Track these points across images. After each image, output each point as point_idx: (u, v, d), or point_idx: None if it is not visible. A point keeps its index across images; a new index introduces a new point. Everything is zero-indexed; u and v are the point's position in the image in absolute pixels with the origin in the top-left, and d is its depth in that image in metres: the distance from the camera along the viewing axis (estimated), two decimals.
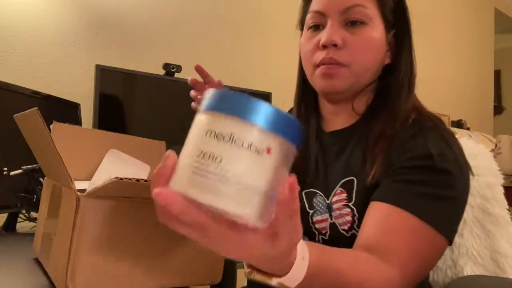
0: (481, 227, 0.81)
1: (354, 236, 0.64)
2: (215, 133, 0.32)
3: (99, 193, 0.54)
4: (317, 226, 0.70)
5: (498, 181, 0.83)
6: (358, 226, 0.64)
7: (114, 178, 0.47)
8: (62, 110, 1.34)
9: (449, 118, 2.99)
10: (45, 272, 0.65)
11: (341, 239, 0.67)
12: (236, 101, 0.32)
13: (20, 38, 1.48)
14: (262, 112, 0.32)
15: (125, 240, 0.58)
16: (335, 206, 0.69)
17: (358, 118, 0.74)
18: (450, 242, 0.62)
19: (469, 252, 0.81)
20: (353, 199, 0.67)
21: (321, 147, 0.76)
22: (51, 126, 0.75)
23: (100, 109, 1.47)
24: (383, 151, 0.65)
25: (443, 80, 3.50)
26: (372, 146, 0.67)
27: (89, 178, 0.77)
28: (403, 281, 0.57)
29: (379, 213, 0.61)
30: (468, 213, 0.82)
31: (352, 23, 0.69)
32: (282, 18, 2.17)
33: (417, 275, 0.60)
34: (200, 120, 0.33)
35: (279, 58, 2.19)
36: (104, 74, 1.49)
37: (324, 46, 0.69)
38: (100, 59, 1.63)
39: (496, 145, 2.39)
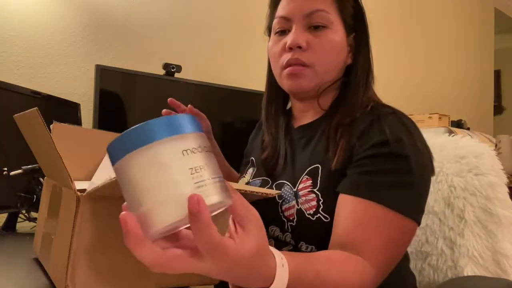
0: (483, 227, 0.81)
1: (319, 220, 0.69)
2: (183, 152, 0.37)
3: (99, 193, 0.54)
4: (285, 214, 0.73)
5: (501, 180, 0.83)
6: (323, 210, 0.69)
7: (114, 178, 0.47)
8: (62, 110, 1.34)
9: (449, 118, 2.99)
10: (45, 272, 0.65)
11: (307, 223, 0.70)
12: (163, 127, 0.37)
13: (20, 38, 1.48)
14: (180, 123, 0.37)
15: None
16: (301, 193, 0.73)
17: (323, 113, 0.80)
18: (418, 223, 0.66)
19: (469, 252, 0.80)
20: (318, 185, 0.71)
21: (290, 142, 0.83)
22: (51, 126, 0.75)
23: (100, 109, 1.47)
24: (343, 137, 0.71)
25: (443, 80, 3.50)
26: (333, 134, 0.73)
27: (89, 178, 0.77)
28: (378, 272, 0.61)
29: (347, 207, 0.65)
30: (469, 213, 0.82)
31: (315, 27, 0.75)
32: None
33: (393, 262, 0.65)
34: (156, 156, 0.36)
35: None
36: (104, 74, 1.48)
37: (290, 48, 0.75)
38: (100, 59, 1.63)
39: (496, 145, 2.39)
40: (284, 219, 0.73)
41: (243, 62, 2.10)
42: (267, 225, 0.75)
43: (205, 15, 1.99)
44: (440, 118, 2.84)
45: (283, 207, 0.74)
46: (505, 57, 4.72)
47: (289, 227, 0.72)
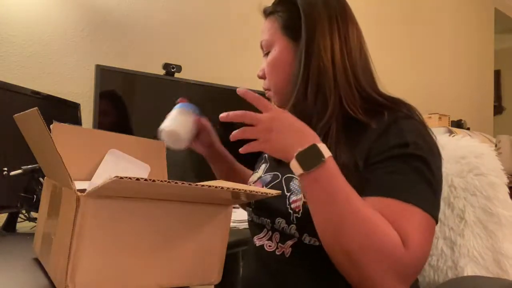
0: (483, 227, 0.81)
1: None
2: None
3: (99, 193, 0.54)
4: (292, 206, 0.75)
5: (502, 181, 0.83)
6: None
7: (114, 177, 0.47)
8: (62, 110, 1.34)
9: (449, 118, 2.99)
10: (45, 272, 0.65)
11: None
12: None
13: (20, 38, 1.48)
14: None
15: (125, 240, 0.58)
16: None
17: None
18: (437, 221, 0.69)
19: (470, 253, 0.80)
20: None
21: None
22: (51, 126, 0.75)
23: (100, 109, 1.47)
24: (339, 145, 0.73)
25: (443, 80, 3.50)
26: (334, 141, 0.75)
27: (89, 178, 0.77)
28: (411, 255, 0.62)
29: (377, 206, 0.66)
30: (469, 214, 0.82)
31: (265, 55, 0.88)
32: None
33: (427, 255, 0.66)
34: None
35: None
36: (104, 74, 1.48)
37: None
38: (100, 59, 1.63)
39: (496, 145, 2.39)
40: (290, 211, 0.75)
41: (243, 62, 2.10)
42: (274, 217, 0.78)
43: (205, 15, 1.99)
44: (440, 118, 2.85)
45: (291, 200, 0.75)
46: (505, 57, 4.72)
47: (294, 219, 0.74)
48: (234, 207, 1.28)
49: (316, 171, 0.64)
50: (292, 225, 0.75)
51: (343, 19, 0.82)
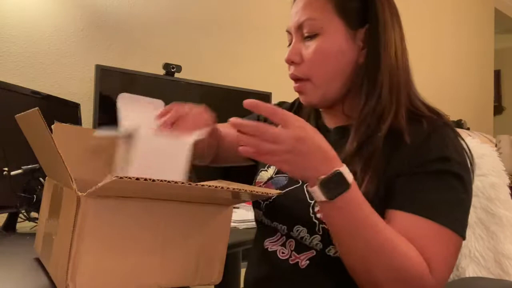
0: (485, 228, 0.81)
1: None
2: None
3: (99, 193, 0.54)
4: (318, 215, 0.70)
5: (503, 181, 0.83)
6: None
7: (114, 177, 0.47)
8: (62, 110, 1.34)
9: (449, 118, 2.99)
10: (45, 272, 0.65)
11: None
12: None
13: (20, 38, 1.48)
14: None
15: (125, 239, 0.58)
16: None
17: (353, 118, 0.75)
18: (464, 239, 0.67)
19: (471, 253, 0.80)
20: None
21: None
22: (52, 126, 0.75)
23: (100, 109, 1.46)
24: (373, 169, 0.67)
25: (443, 80, 3.50)
26: (364, 164, 0.68)
27: (89, 178, 0.77)
28: (437, 283, 0.62)
29: (403, 223, 0.64)
30: (471, 214, 0.81)
31: (306, 37, 0.73)
32: (282, 18, 2.17)
33: (448, 275, 0.65)
34: None
35: (279, 58, 2.19)
36: (104, 74, 1.48)
37: (289, 63, 0.76)
38: (100, 59, 1.63)
39: (496, 145, 2.39)
40: (315, 220, 0.70)
41: (243, 62, 2.10)
42: (293, 225, 0.73)
43: (206, 15, 1.99)
44: None
45: (316, 209, 0.70)
46: (505, 57, 4.72)
47: (321, 229, 0.69)
48: (234, 207, 1.28)
49: (340, 199, 0.58)
50: (316, 235, 0.70)
51: (398, 15, 0.76)
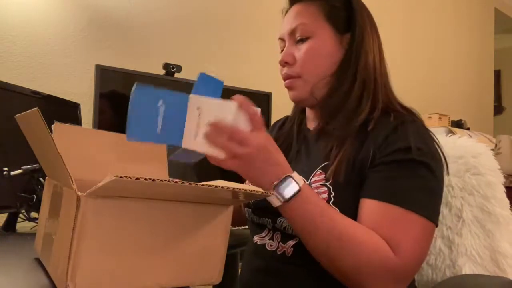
0: (481, 226, 0.81)
1: None
2: None
3: (99, 193, 0.54)
4: None
5: (499, 180, 0.83)
6: (333, 203, 0.73)
7: (114, 176, 0.47)
8: (62, 110, 1.34)
9: (449, 118, 2.99)
10: (45, 272, 0.66)
11: None
12: None
13: (20, 38, 1.48)
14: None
15: (125, 239, 0.58)
16: (313, 185, 0.77)
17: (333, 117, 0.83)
18: (436, 225, 0.72)
19: (468, 251, 0.80)
20: (331, 179, 0.75)
21: (304, 140, 0.89)
22: (52, 126, 0.75)
23: (100, 109, 1.47)
24: (342, 149, 0.76)
25: (443, 80, 3.50)
26: (337, 145, 0.77)
27: (89, 177, 0.77)
28: (401, 260, 0.66)
29: (372, 210, 0.70)
30: (467, 213, 0.82)
31: (298, 41, 0.83)
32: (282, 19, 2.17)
33: (418, 258, 0.69)
34: None
35: (279, 58, 2.19)
36: (104, 74, 1.49)
37: (283, 65, 0.85)
38: (100, 59, 1.63)
39: (496, 145, 2.39)
40: None
41: (243, 62, 2.10)
42: (276, 217, 0.79)
43: (205, 15, 1.99)
44: (440, 118, 2.85)
45: None
46: (505, 57, 4.72)
47: None
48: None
49: (294, 201, 0.66)
50: None
51: (376, 26, 0.87)
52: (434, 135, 0.77)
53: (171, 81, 1.65)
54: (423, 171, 0.70)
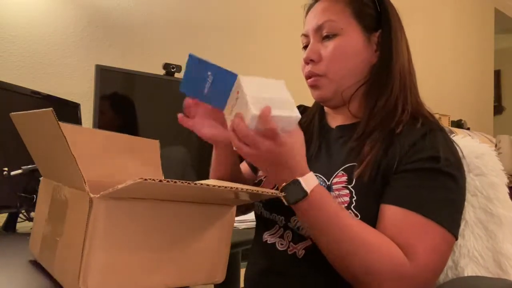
0: (484, 228, 0.81)
1: None
2: None
3: (111, 195, 0.53)
4: None
5: (502, 181, 0.83)
6: (355, 207, 0.71)
7: (138, 179, 0.47)
8: (62, 110, 1.34)
9: (449, 118, 2.99)
10: (46, 272, 0.65)
11: None
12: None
13: (20, 38, 1.48)
14: None
15: (135, 240, 0.58)
16: (334, 187, 0.75)
17: (358, 117, 0.81)
18: (456, 238, 0.71)
19: (470, 253, 0.80)
20: (353, 182, 0.73)
21: (324, 138, 0.85)
22: None
23: (100, 109, 1.47)
24: (373, 149, 0.73)
25: (443, 80, 3.50)
26: (361, 145, 0.75)
27: (89, 177, 0.77)
28: (415, 269, 0.65)
29: (393, 216, 0.68)
30: (470, 214, 0.81)
31: (325, 38, 0.80)
32: (282, 19, 2.17)
33: (436, 268, 0.68)
34: None
35: (279, 58, 2.19)
36: (104, 74, 1.48)
37: (307, 62, 0.81)
38: (100, 59, 1.63)
39: (496, 145, 2.39)
40: None
41: (244, 62, 2.10)
42: (289, 215, 0.76)
43: (205, 15, 1.99)
44: (440, 118, 2.85)
45: None
46: (505, 57, 4.72)
47: None
48: None
49: (301, 205, 0.65)
50: None
51: (403, 26, 0.84)
52: (458, 145, 0.77)
53: (171, 81, 1.65)
54: (449, 183, 0.70)
